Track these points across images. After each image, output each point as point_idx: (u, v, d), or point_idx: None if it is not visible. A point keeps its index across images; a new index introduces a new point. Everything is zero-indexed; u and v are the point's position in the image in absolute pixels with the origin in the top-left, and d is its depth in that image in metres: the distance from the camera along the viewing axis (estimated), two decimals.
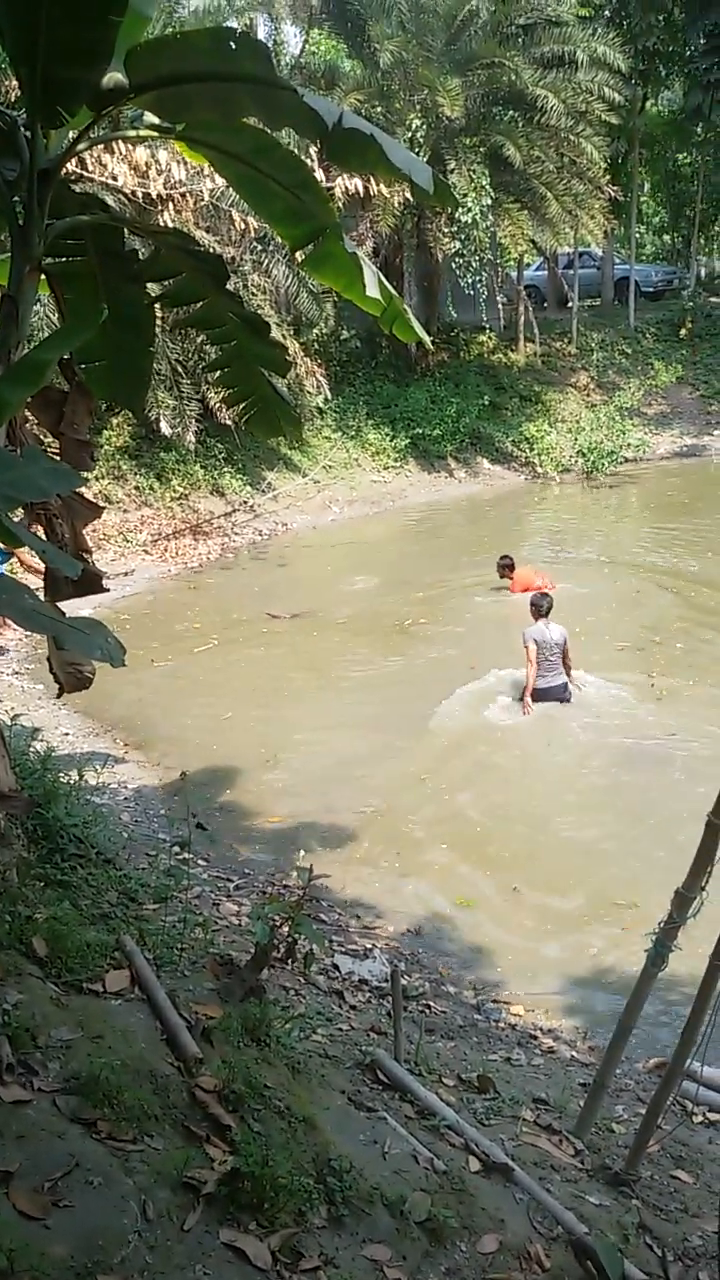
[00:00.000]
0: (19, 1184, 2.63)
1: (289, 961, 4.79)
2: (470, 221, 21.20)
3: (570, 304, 28.81)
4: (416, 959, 6.42)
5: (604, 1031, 5.35)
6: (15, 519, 4.09)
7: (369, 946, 6.32)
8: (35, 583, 8.14)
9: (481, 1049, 5.31)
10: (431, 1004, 5.75)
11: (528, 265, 29.36)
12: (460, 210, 20.88)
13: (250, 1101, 3.37)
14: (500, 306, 25.83)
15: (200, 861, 7.03)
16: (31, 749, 5.84)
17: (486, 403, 24.42)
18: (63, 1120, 2.92)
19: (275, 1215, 3.00)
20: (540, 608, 10.26)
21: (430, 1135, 3.92)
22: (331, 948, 6.05)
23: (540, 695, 10.09)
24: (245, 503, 19.53)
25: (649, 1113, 4.13)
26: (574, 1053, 5.61)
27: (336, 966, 5.81)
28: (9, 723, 6.08)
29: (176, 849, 6.60)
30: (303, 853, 7.34)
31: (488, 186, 21.21)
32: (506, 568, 13.38)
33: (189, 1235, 2.77)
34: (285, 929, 4.24)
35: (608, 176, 24.25)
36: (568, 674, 10.28)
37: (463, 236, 21.67)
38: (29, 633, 10.39)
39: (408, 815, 8.31)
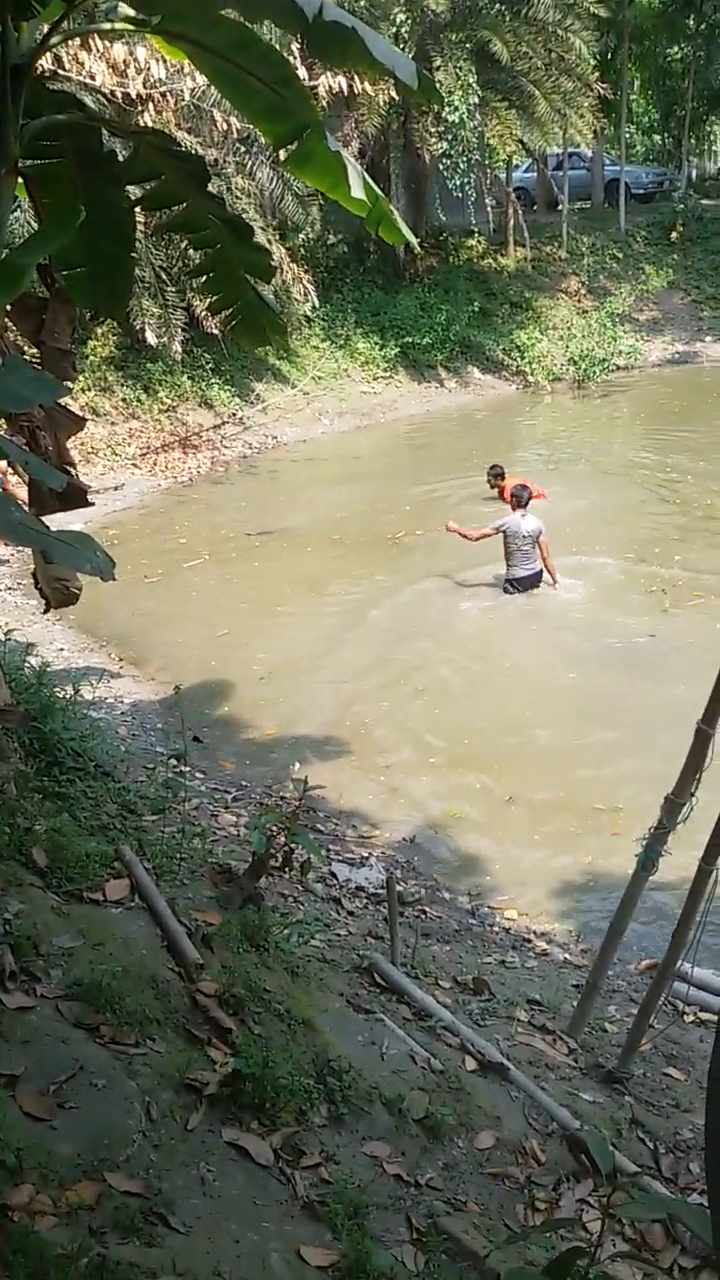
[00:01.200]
0: (24, 1087, 2.69)
1: (286, 870, 4.84)
2: (457, 121, 20.59)
3: (560, 206, 28.14)
4: (412, 866, 6.51)
5: (596, 935, 5.45)
6: None
7: (365, 855, 6.40)
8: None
9: (476, 952, 5.41)
10: (427, 909, 5.84)
11: (516, 167, 28.59)
12: (447, 109, 20.25)
13: (250, 1005, 3.43)
14: (489, 209, 25.25)
15: (198, 774, 7.08)
16: (27, 664, 5.83)
17: (476, 309, 23.96)
18: (66, 1025, 2.97)
19: (276, 1115, 3.07)
20: (520, 499, 10.77)
21: (427, 1036, 4.01)
22: (329, 856, 6.12)
23: (516, 584, 10.74)
24: (234, 415, 19.26)
25: (641, 1012, 4.23)
26: (567, 955, 5.72)
27: (334, 874, 5.88)
28: (2, 639, 6.06)
29: (173, 761, 6.64)
30: (298, 765, 7.38)
31: (474, 85, 20.54)
32: (497, 477, 13.29)
33: (192, 1135, 2.84)
34: (282, 838, 4.27)
35: (597, 74, 23.48)
36: (549, 571, 10.79)
37: (450, 137, 21.06)
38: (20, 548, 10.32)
39: (401, 726, 8.36)
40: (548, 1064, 4.27)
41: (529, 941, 5.84)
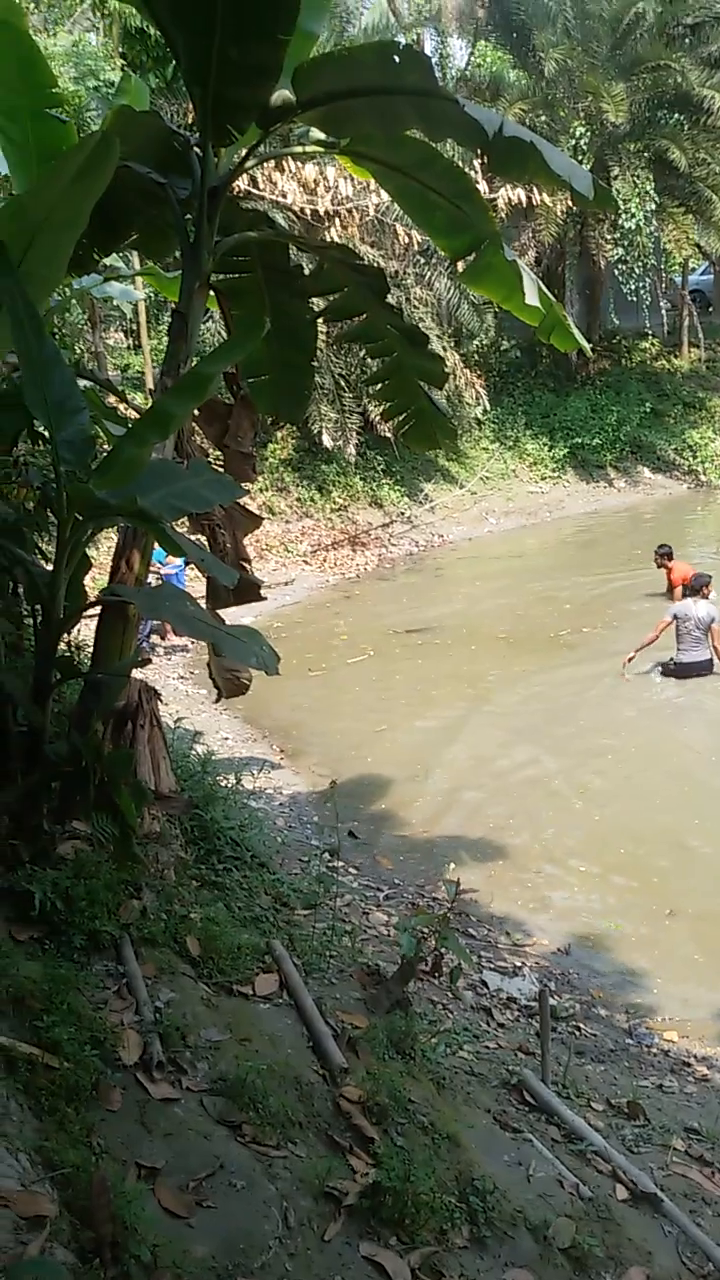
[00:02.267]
0: (165, 1181, 2.68)
1: (436, 975, 4.77)
2: (634, 227, 20.83)
3: None
4: (567, 978, 6.30)
5: None
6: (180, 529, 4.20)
7: (518, 964, 6.23)
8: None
9: (632, 1074, 5.17)
10: (581, 1025, 5.64)
11: (692, 270, 28.56)
12: (623, 216, 20.55)
13: (394, 1115, 3.37)
14: (664, 312, 25.24)
15: (351, 870, 7.07)
16: (193, 752, 5.99)
17: (648, 410, 23.89)
18: (209, 1121, 2.97)
19: (416, 1232, 2.98)
20: (695, 586, 11.03)
21: (576, 1160, 3.85)
22: (480, 963, 6.00)
23: (685, 669, 10.80)
24: (403, 514, 19.61)
25: None
26: None
27: (485, 983, 5.76)
28: (172, 726, 6.24)
29: (328, 855, 6.66)
30: (451, 865, 7.29)
31: (652, 191, 20.79)
32: (664, 556, 13.33)
33: (329, 1246, 2.78)
34: (433, 942, 4.22)
35: None
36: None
37: (626, 243, 21.30)
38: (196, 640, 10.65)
39: (559, 829, 8.17)
40: (705, 1198, 4.03)
41: (689, 1065, 5.55)
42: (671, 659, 10.94)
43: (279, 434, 18.30)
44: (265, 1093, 3.09)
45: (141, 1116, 2.86)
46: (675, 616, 10.82)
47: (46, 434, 3.64)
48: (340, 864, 6.96)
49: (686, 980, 6.43)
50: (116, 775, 3.52)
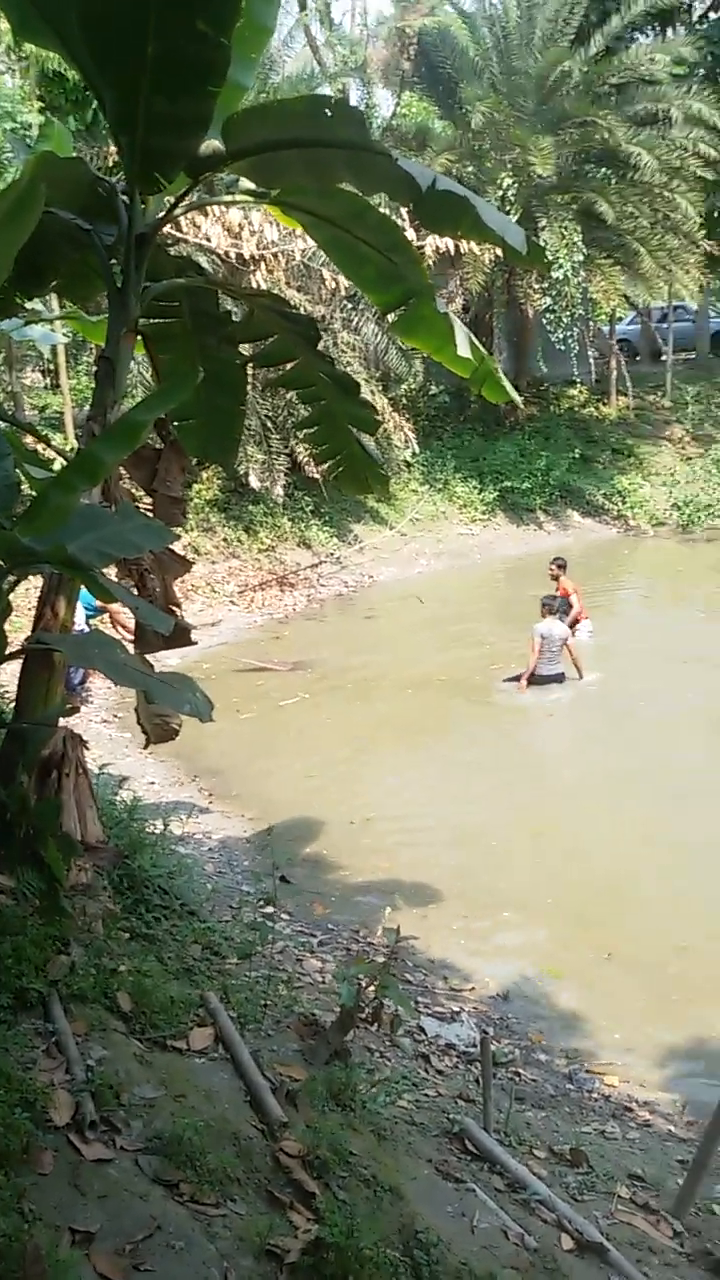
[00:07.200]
0: (100, 1245, 2.60)
1: (374, 1023, 4.71)
2: (562, 278, 21.21)
3: (664, 357, 28.59)
4: (505, 1024, 6.27)
5: (704, 1106, 5.14)
6: (109, 575, 4.15)
7: (456, 1009, 6.18)
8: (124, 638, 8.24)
9: (574, 1120, 5.14)
10: (521, 1071, 5.60)
11: (620, 319, 29.24)
12: (552, 267, 20.95)
13: (335, 1168, 3.31)
14: (592, 360, 25.77)
15: (284, 916, 6.98)
16: (118, 798, 5.88)
17: (577, 456, 24.30)
18: (145, 1181, 2.89)
19: None
20: (551, 607, 12.50)
21: (520, 1210, 3.81)
22: (418, 1009, 5.94)
23: (544, 679, 12.26)
24: (332, 554, 19.64)
25: None
26: (672, 1127, 5.39)
27: (423, 1029, 5.69)
28: (96, 772, 6.13)
29: (261, 902, 6.57)
30: (388, 910, 7.23)
31: (579, 243, 21.21)
32: (560, 567, 14.08)
33: None
34: (371, 990, 4.17)
35: (703, 230, 24.01)
36: (576, 665, 12.45)
37: (554, 293, 21.69)
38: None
39: (495, 874, 8.16)
40: (650, 1247, 4.00)
41: (630, 1110, 5.53)
42: (530, 671, 12.18)
43: (204, 474, 18.27)
44: (203, 1150, 3.02)
45: (75, 1179, 2.78)
46: (541, 635, 12.10)
47: None
48: (271, 909, 6.88)
49: (626, 1023, 6.41)
50: (43, 827, 3.45)
